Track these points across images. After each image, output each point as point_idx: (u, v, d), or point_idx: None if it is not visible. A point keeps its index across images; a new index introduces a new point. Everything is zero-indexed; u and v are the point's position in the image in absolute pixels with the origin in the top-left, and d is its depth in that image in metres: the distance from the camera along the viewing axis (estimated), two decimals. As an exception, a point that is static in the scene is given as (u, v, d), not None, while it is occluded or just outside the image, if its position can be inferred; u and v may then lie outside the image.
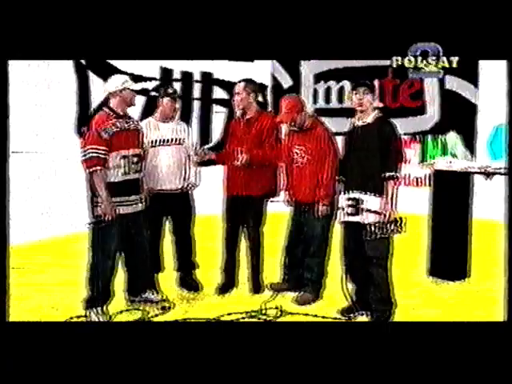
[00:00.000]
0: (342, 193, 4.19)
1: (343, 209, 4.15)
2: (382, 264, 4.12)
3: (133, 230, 4.38)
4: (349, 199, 4.11)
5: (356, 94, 4.10)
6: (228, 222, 4.84)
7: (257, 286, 4.84)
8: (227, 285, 4.87)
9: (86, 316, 4.26)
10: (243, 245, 4.88)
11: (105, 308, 4.29)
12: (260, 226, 4.79)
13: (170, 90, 4.84)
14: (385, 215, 4.00)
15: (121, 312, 4.39)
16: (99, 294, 4.28)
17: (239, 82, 4.71)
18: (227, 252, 4.88)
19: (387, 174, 4.00)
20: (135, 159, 4.28)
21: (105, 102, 4.33)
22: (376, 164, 4.03)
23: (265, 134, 4.67)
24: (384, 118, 4.13)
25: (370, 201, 4.04)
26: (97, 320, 4.23)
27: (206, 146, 5.09)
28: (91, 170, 4.10)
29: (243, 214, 4.77)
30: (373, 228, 4.03)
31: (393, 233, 4.06)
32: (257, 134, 4.66)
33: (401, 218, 4.03)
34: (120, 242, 4.31)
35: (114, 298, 4.37)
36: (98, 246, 4.24)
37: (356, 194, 4.08)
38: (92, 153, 4.10)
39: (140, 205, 4.36)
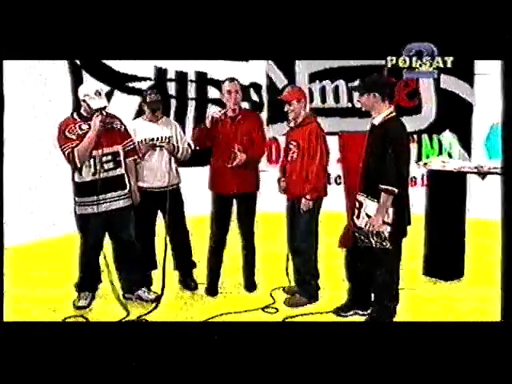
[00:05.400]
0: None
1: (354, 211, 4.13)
2: (384, 266, 4.12)
3: (116, 228, 4.48)
4: (355, 201, 4.08)
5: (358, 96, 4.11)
6: (218, 222, 4.82)
7: (251, 285, 4.91)
8: (215, 286, 4.87)
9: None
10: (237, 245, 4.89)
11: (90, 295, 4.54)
12: (253, 222, 4.84)
13: (148, 99, 4.78)
14: (368, 224, 3.95)
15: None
16: (87, 278, 4.52)
17: (232, 80, 4.72)
18: (215, 253, 4.86)
19: (382, 186, 3.88)
20: (106, 158, 4.33)
21: (77, 106, 4.49)
22: (376, 168, 3.94)
23: (253, 132, 4.73)
24: (392, 119, 4.02)
25: (369, 206, 3.98)
26: (83, 304, 4.46)
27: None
28: (71, 158, 4.25)
29: (238, 212, 4.80)
30: (357, 235, 4.02)
31: (376, 245, 3.99)
32: (245, 133, 4.70)
33: (385, 233, 3.94)
34: (101, 239, 4.46)
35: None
36: (81, 240, 4.48)
37: (360, 197, 4.05)
38: (65, 150, 4.27)
39: (120, 202, 4.41)
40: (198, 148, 4.88)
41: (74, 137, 4.26)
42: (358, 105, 4.16)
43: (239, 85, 4.72)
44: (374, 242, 3.99)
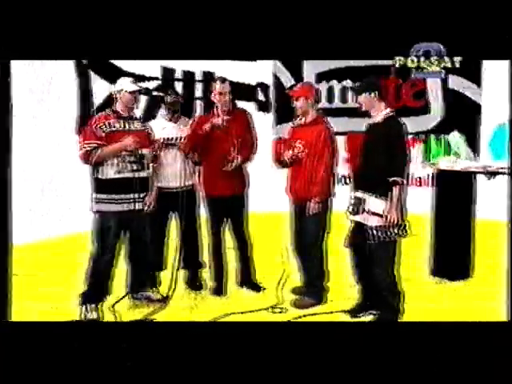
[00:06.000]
0: (351, 191, 4.17)
1: (348, 207, 4.15)
2: (382, 265, 4.11)
3: (133, 228, 4.43)
4: (353, 198, 4.10)
5: (355, 96, 4.16)
6: (213, 223, 4.80)
7: (250, 283, 4.90)
8: (221, 286, 4.85)
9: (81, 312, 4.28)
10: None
11: (99, 306, 4.31)
12: (247, 221, 4.83)
13: (168, 99, 4.80)
14: (387, 218, 3.95)
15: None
16: (95, 289, 4.31)
17: (224, 80, 4.68)
18: (215, 254, 4.84)
19: (392, 179, 3.93)
20: (132, 158, 4.29)
21: (110, 103, 4.43)
22: (379, 165, 3.98)
23: (244, 132, 4.72)
24: (393, 117, 4.08)
25: (371, 202, 4.01)
26: (87, 317, 4.24)
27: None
28: (85, 157, 4.20)
29: (228, 214, 4.79)
30: (375, 231, 4.00)
31: (396, 237, 4.02)
32: (236, 134, 4.66)
33: (404, 222, 3.99)
34: (117, 238, 4.36)
35: (108, 296, 4.40)
36: (96, 239, 4.32)
37: (359, 194, 4.07)
38: (86, 147, 4.20)
39: (140, 204, 4.36)
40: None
41: (99, 134, 4.21)
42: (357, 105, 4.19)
43: (229, 84, 4.69)
44: (394, 234, 4.00)
